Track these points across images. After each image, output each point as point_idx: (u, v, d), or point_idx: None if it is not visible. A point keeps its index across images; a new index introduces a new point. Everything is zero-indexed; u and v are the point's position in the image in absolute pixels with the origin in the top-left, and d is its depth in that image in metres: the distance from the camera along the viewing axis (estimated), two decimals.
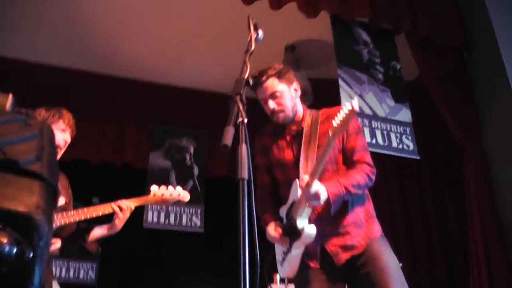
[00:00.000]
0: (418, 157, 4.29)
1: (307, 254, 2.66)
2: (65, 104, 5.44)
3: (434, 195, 5.46)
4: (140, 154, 5.74)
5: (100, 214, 3.01)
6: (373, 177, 2.71)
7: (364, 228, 2.68)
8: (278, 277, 4.21)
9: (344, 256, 2.62)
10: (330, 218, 2.64)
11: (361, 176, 2.65)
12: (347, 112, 2.35)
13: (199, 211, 5.73)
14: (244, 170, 1.68)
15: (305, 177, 2.49)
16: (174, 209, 5.63)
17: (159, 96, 6.03)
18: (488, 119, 4.52)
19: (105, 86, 5.85)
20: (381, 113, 4.35)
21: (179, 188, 3.31)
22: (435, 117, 4.95)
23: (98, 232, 3.13)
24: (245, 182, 1.68)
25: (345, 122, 2.36)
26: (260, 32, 2.43)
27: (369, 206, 2.79)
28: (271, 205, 2.87)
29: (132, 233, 5.34)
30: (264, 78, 2.75)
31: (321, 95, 5.73)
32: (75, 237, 3.11)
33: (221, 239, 5.86)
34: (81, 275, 5.88)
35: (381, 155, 4.17)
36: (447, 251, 5.11)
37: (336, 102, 5.31)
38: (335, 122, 2.38)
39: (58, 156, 3.11)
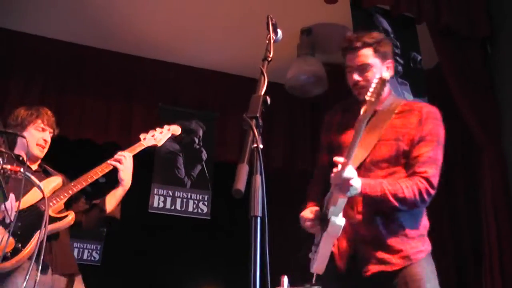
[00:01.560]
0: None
1: (339, 253, 2.45)
2: (72, 80, 5.40)
3: (448, 195, 5.28)
4: None
5: (100, 174, 3.02)
6: (427, 198, 2.38)
7: (408, 246, 2.38)
8: (285, 279, 4.09)
9: (373, 269, 2.35)
10: (371, 221, 2.40)
11: (411, 191, 2.34)
12: (378, 81, 2.16)
13: (206, 197, 5.60)
14: (258, 206, 1.50)
15: (339, 159, 2.27)
16: (181, 194, 5.51)
17: (169, 76, 5.83)
18: (509, 117, 4.33)
19: (114, 64, 5.66)
20: None
21: (166, 125, 3.47)
22: (452, 110, 4.75)
23: (114, 197, 3.12)
24: (258, 220, 1.51)
25: (376, 93, 2.16)
26: (279, 32, 2.25)
27: (422, 223, 2.50)
28: (320, 190, 2.62)
29: (137, 217, 5.26)
30: (359, 44, 2.53)
31: (336, 81, 5.54)
32: (94, 213, 3.11)
33: (228, 226, 5.76)
34: (85, 256, 5.82)
35: None
36: (458, 254, 4.95)
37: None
38: (368, 96, 2.19)
39: (42, 155, 3.14)
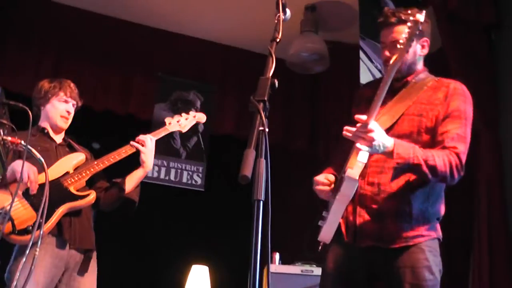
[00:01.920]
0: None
1: (345, 223, 2.41)
2: (72, 46, 5.34)
3: None
4: (145, 104, 5.55)
5: (123, 155, 3.08)
6: (456, 175, 2.30)
7: (410, 227, 2.34)
8: (277, 256, 4.13)
9: (368, 243, 2.34)
10: (382, 196, 2.34)
11: (443, 163, 2.25)
12: (412, 25, 2.14)
13: (201, 169, 5.60)
14: (261, 190, 1.49)
15: (362, 117, 2.21)
16: (176, 165, 5.50)
17: (170, 46, 5.78)
18: (509, 105, 4.32)
19: (115, 31, 5.60)
20: None
21: (192, 111, 3.49)
22: None
23: (133, 178, 3.16)
24: (261, 204, 1.50)
25: (409, 38, 2.16)
26: (288, 12, 2.22)
27: (434, 207, 2.43)
28: (339, 160, 2.54)
29: None
30: (394, 20, 2.44)
31: (339, 59, 5.52)
32: (113, 191, 3.15)
33: (222, 199, 5.76)
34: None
35: None
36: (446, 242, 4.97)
37: (353, 68, 5.14)
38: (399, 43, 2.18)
39: (66, 126, 3.22)
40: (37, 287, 2.72)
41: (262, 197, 1.52)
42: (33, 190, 2.76)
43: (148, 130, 5.41)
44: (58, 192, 2.85)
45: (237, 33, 5.85)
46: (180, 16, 5.64)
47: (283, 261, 4.12)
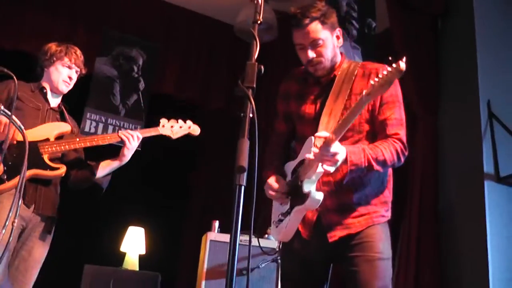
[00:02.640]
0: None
1: (302, 221, 2.45)
2: None
3: None
4: (86, 58, 5.35)
5: (107, 142, 3.09)
6: (403, 159, 2.44)
7: (371, 210, 2.45)
8: (216, 224, 4.18)
9: (340, 234, 2.41)
10: (338, 189, 2.42)
11: (391, 153, 2.37)
12: (392, 71, 2.03)
13: (139, 127, 5.51)
14: (243, 176, 1.52)
15: (323, 133, 2.24)
16: (114, 122, 5.40)
17: (115, 0, 5.59)
18: (447, 92, 4.52)
19: None
20: None
21: (189, 122, 3.38)
22: None
23: (107, 167, 3.17)
24: (242, 189, 1.53)
25: (386, 82, 2.04)
26: None
27: (387, 188, 2.53)
28: (280, 158, 2.64)
29: None
30: (307, 21, 2.43)
31: (287, 30, 5.52)
32: (84, 173, 3.15)
33: (159, 158, 5.73)
34: None
35: None
36: None
37: None
38: (374, 80, 2.07)
39: (67, 90, 3.25)
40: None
41: (244, 183, 1.54)
42: (5, 145, 2.73)
43: (87, 82, 5.32)
44: (32, 155, 2.78)
45: None
46: None
47: (222, 229, 4.16)
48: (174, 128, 3.32)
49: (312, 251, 2.48)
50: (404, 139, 2.46)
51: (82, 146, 3.06)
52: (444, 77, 4.55)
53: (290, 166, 2.54)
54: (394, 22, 4.60)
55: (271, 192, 2.49)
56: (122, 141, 3.12)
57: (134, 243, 5.04)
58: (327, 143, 2.18)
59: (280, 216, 2.50)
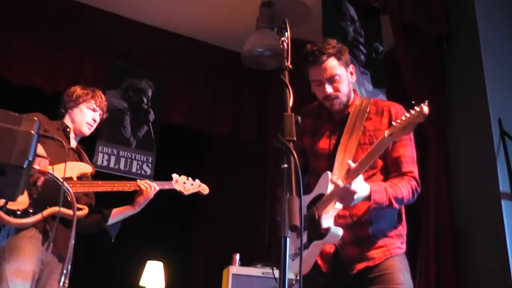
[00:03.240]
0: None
1: (321, 255, 2.49)
2: (24, 25, 5.12)
3: None
4: None
5: (126, 189, 3.13)
6: (416, 196, 2.51)
7: (388, 242, 2.50)
8: (237, 257, 4.20)
9: (359, 266, 2.45)
10: (356, 223, 2.48)
11: (408, 191, 2.45)
12: (415, 114, 2.09)
13: (150, 159, 5.55)
14: (286, 227, 1.55)
15: (338, 173, 2.35)
16: (126, 154, 5.43)
17: (122, 31, 5.66)
18: (457, 113, 4.57)
19: (69, 13, 5.43)
20: None
21: (197, 181, 3.46)
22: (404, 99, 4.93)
23: (120, 214, 3.20)
24: (287, 241, 1.56)
25: (408, 124, 2.10)
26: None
27: (401, 221, 2.61)
28: None
29: None
30: (324, 57, 2.51)
31: (294, 55, 5.59)
32: (96, 217, 3.18)
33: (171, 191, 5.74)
34: None
35: None
36: None
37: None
38: (397, 122, 2.15)
39: (89, 133, 3.32)
40: (29, 276, 2.76)
41: (288, 234, 1.57)
42: (39, 181, 2.79)
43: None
44: (55, 192, 2.76)
45: (190, 23, 5.83)
46: (136, 3, 5.55)
47: (242, 262, 4.18)
48: (186, 184, 3.40)
49: (332, 285, 2.52)
50: (418, 177, 2.52)
51: (103, 190, 3.06)
52: (453, 98, 4.61)
53: (304, 199, 2.56)
54: (400, 47, 4.67)
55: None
56: (140, 190, 3.15)
57: (153, 277, 5.05)
58: (348, 180, 2.25)
59: (296, 250, 2.51)
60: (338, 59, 2.55)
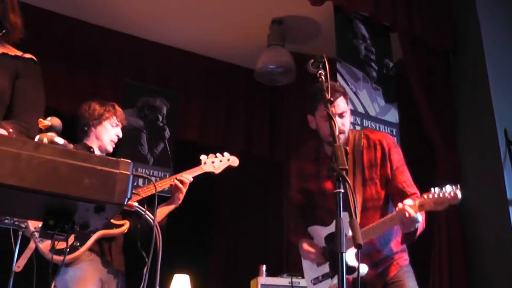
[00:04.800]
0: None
1: None
2: (39, 48, 5.24)
3: None
4: None
5: (166, 187, 3.23)
6: None
7: (396, 257, 2.85)
8: (263, 268, 4.35)
9: (380, 285, 2.81)
10: (372, 250, 2.77)
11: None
12: (450, 198, 2.44)
13: (167, 175, 5.69)
14: (343, 243, 1.73)
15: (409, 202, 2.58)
16: (143, 171, 5.57)
17: (136, 51, 5.83)
18: (465, 126, 4.74)
19: (80, 34, 5.58)
20: (372, 112, 4.48)
21: (226, 154, 3.51)
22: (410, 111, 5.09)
23: (165, 211, 3.27)
24: (344, 256, 1.73)
25: (442, 204, 2.46)
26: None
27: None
28: (301, 219, 3.01)
29: None
30: (336, 95, 2.73)
31: (304, 71, 5.75)
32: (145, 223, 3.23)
33: (187, 206, 5.89)
34: None
35: None
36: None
37: (316, 78, 5.39)
38: (428, 197, 2.48)
39: (111, 150, 3.32)
40: None
41: (344, 250, 1.74)
42: None
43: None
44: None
45: (203, 41, 5.99)
46: (147, 22, 5.71)
47: (269, 273, 4.34)
48: (215, 163, 3.46)
49: None
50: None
51: (148, 194, 3.08)
52: (460, 111, 4.79)
53: (318, 231, 2.88)
54: (408, 61, 4.85)
55: (311, 256, 2.83)
56: (176, 186, 3.22)
57: None
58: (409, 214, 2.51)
59: (320, 277, 2.82)
60: (346, 98, 2.85)
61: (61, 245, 2.79)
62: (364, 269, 2.65)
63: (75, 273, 2.92)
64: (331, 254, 2.75)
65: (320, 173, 2.90)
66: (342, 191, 1.78)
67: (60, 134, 1.53)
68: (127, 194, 1.41)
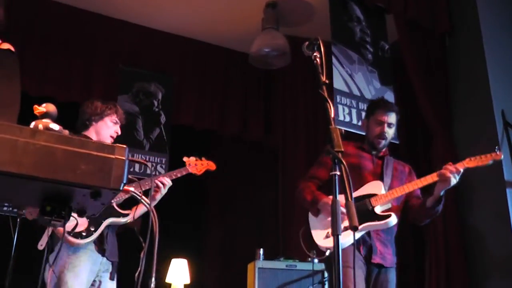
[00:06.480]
0: (397, 142, 4.47)
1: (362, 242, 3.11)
2: (34, 36, 5.25)
3: None
4: (108, 96, 5.51)
5: (146, 187, 3.20)
6: None
7: (393, 253, 3.23)
8: (261, 251, 4.38)
9: (378, 260, 3.13)
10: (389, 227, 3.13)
11: None
12: (489, 157, 3.13)
13: (164, 160, 5.70)
14: (339, 226, 1.74)
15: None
16: (139, 157, 5.57)
17: (130, 36, 5.79)
18: (459, 106, 4.74)
19: (75, 21, 5.54)
20: (367, 94, 4.48)
21: (204, 159, 3.68)
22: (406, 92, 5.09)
23: (139, 210, 3.28)
24: (339, 238, 1.74)
25: (486, 161, 3.13)
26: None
27: None
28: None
29: None
30: (394, 108, 3.38)
31: (298, 54, 5.73)
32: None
33: (184, 190, 5.90)
34: None
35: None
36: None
37: (310, 61, 5.36)
38: (473, 158, 3.10)
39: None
40: (85, 282, 3.05)
41: (340, 232, 1.75)
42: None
43: None
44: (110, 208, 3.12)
45: (196, 25, 5.95)
46: (141, 8, 5.66)
47: (265, 256, 4.36)
48: (197, 166, 3.62)
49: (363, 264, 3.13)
50: None
51: (146, 188, 3.17)
52: (456, 92, 4.78)
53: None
54: (404, 43, 4.84)
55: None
56: (157, 186, 3.28)
57: (178, 274, 5.21)
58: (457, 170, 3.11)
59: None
60: (398, 116, 3.40)
61: (78, 228, 2.98)
62: (395, 219, 3.09)
63: (71, 261, 3.01)
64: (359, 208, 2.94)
65: (362, 155, 3.37)
66: (338, 173, 1.78)
67: (55, 121, 1.52)
68: (123, 179, 1.41)
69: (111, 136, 3.39)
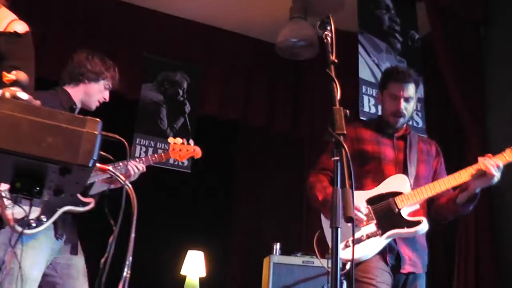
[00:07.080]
0: (425, 136, 4.26)
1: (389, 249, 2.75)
2: (57, 23, 5.22)
3: None
4: (132, 85, 5.48)
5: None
6: None
7: (426, 257, 2.90)
8: (277, 246, 4.24)
9: (408, 269, 2.77)
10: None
11: None
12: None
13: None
14: (339, 218, 1.59)
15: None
16: (163, 146, 5.50)
17: (155, 25, 5.71)
18: (494, 99, 4.51)
19: (99, 8, 5.49)
20: None
21: (192, 142, 3.53)
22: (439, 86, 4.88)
23: (99, 186, 3.07)
24: (338, 230, 1.60)
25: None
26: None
27: None
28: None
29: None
30: (409, 79, 2.88)
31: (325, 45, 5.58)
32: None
33: (208, 181, 5.84)
34: None
35: None
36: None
37: (342, 53, 5.20)
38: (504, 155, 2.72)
39: (94, 108, 3.15)
40: (39, 270, 2.84)
41: (340, 225, 1.61)
42: None
43: (135, 108, 5.44)
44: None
45: (223, 14, 5.84)
46: None
47: (282, 251, 4.22)
48: (181, 152, 3.46)
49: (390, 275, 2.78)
50: None
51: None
52: (490, 85, 4.55)
53: (363, 194, 2.82)
54: (436, 32, 4.62)
55: (359, 215, 2.72)
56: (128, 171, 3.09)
57: (194, 267, 5.14)
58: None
59: (364, 236, 2.73)
60: (417, 86, 2.94)
61: (31, 215, 2.73)
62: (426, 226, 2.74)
63: (30, 243, 2.77)
64: (380, 213, 2.75)
65: (381, 141, 2.95)
66: (341, 161, 1.64)
67: (25, 89, 1.41)
68: (93, 155, 1.29)
69: (99, 101, 3.15)
